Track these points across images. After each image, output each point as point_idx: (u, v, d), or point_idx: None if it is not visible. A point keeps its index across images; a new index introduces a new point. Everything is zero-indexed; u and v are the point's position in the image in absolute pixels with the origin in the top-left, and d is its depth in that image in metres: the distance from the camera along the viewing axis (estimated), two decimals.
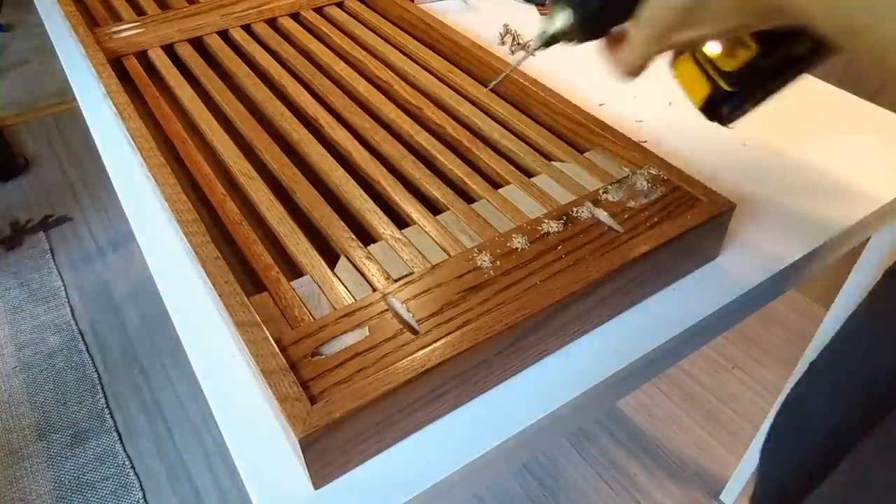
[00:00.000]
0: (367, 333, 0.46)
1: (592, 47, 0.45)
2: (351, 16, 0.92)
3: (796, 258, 0.61)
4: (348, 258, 0.54)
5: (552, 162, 0.65)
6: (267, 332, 0.46)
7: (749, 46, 0.42)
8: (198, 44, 0.85)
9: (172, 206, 0.57)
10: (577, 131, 0.68)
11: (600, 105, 0.80)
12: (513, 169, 0.64)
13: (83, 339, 1.60)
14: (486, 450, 0.46)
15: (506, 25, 0.96)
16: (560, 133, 0.69)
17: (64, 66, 0.89)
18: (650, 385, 1.47)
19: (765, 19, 0.37)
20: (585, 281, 0.49)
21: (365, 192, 0.61)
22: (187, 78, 0.78)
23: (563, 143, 0.67)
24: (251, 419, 0.47)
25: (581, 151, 0.66)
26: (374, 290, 0.51)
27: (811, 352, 0.98)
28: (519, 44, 0.93)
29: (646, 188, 0.58)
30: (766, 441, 0.80)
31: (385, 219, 0.58)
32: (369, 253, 0.54)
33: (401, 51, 0.84)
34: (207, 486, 1.32)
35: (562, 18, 0.41)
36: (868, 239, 0.83)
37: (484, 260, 0.52)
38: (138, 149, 0.64)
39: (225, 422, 0.47)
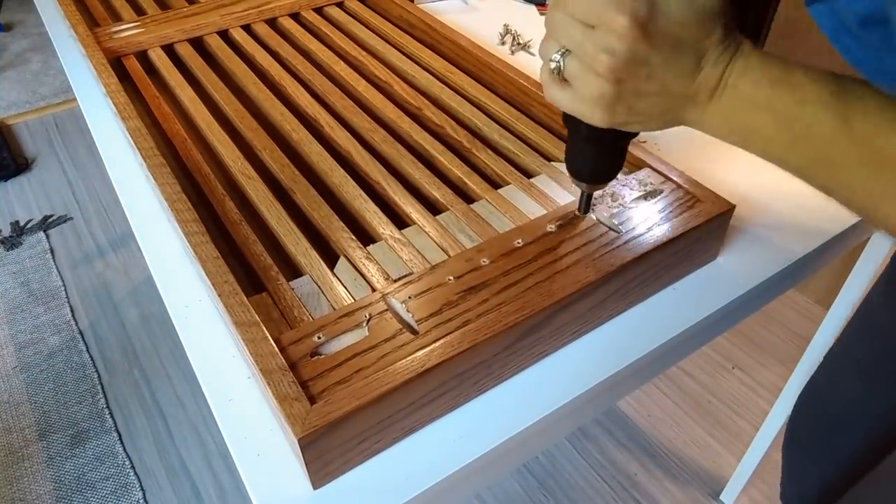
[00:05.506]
0: (367, 333, 0.47)
1: None
2: (351, 16, 0.92)
3: (796, 258, 0.61)
4: (348, 258, 0.54)
5: (552, 162, 0.65)
6: (266, 331, 0.46)
7: None
8: (198, 44, 0.85)
9: (172, 205, 0.57)
10: None
11: None
12: (513, 169, 0.64)
13: (83, 339, 1.60)
14: (486, 450, 0.46)
15: (506, 25, 0.96)
16: (560, 133, 0.69)
17: (64, 66, 0.89)
18: (650, 385, 1.47)
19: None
20: (585, 282, 0.49)
21: (365, 192, 0.61)
22: (187, 78, 0.78)
23: (563, 144, 0.67)
24: (251, 419, 0.47)
25: None
26: (374, 290, 0.51)
27: (811, 352, 0.98)
28: (519, 43, 0.93)
29: (645, 189, 0.58)
30: (790, 440, 0.80)
31: (385, 219, 0.58)
32: (369, 253, 0.54)
33: (401, 51, 0.84)
34: (207, 486, 1.32)
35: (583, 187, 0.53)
36: (868, 239, 0.83)
37: (484, 260, 0.52)
38: (138, 149, 0.64)
39: (225, 422, 0.47)
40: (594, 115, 0.41)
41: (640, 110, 0.41)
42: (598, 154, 0.48)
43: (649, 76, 0.39)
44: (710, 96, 0.39)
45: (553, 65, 0.41)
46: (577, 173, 0.51)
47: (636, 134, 0.47)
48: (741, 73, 0.39)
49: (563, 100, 0.42)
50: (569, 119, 0.46)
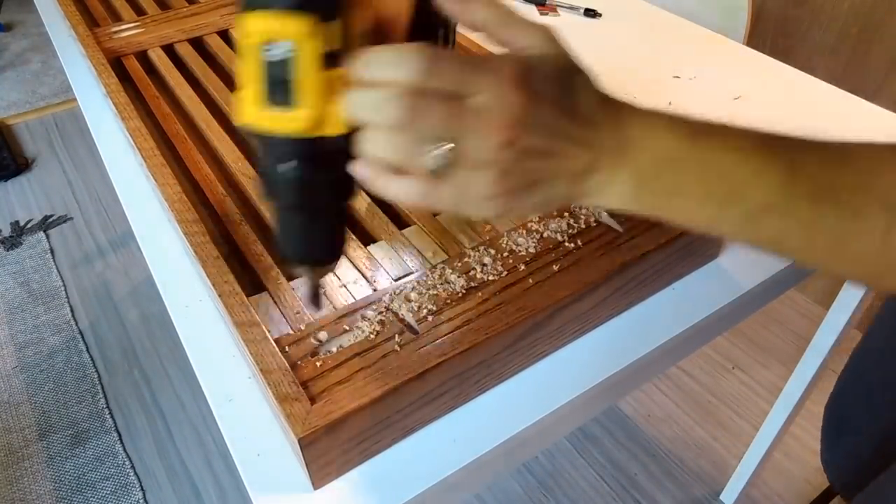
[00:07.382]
0: (367, 334, 0.46)
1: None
2: None
3: None
4: (348, 258, 0.54)
5: None
6: (267, 331, 0.46)
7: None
8: (198, 44, 0.85)
9: (172, 206, 0.57)
10: None
11: None
12: None
13: (83, 339, 1.60)
14: (486, 450, 0.46)
15: None
16: None
17: (64, 66, 0.89)
18: (650, 385, 1.47)
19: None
20: (585, 281, 0.49)
21: (365, 191, 0.61)
22: (187, 78, 0.78)
23: None
24: (251, 419, 0.47)
25: None
26: (374, 290, 0.51)
27: (811, 352, 0.98)
28: None
29: None
30: (827, 441, 0.83)
31: (385, 219, 0.58)
32: (369, 253, 0.54)
33: None
34: (207, 486, 1.32)
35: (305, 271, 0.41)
36: None
37: (484, 260, 0.52)
38: (138, 149, 0.64)
39: (225, 422, 0.47)
40: (485, 209, 0.32)
41: (538, 182, 0.32)
42: (325, 223, 0.38)
43: (547, 148, 0.31)
44: (614, 158, 0.32)
45: (439, 161, 0.30)
46: (300, 256, 0.39)
47: (356, 192, 0.37)
48: (642, 127, 0.32)
49: (446, 200, 0.32)
50: (279, 190, 0.35)
